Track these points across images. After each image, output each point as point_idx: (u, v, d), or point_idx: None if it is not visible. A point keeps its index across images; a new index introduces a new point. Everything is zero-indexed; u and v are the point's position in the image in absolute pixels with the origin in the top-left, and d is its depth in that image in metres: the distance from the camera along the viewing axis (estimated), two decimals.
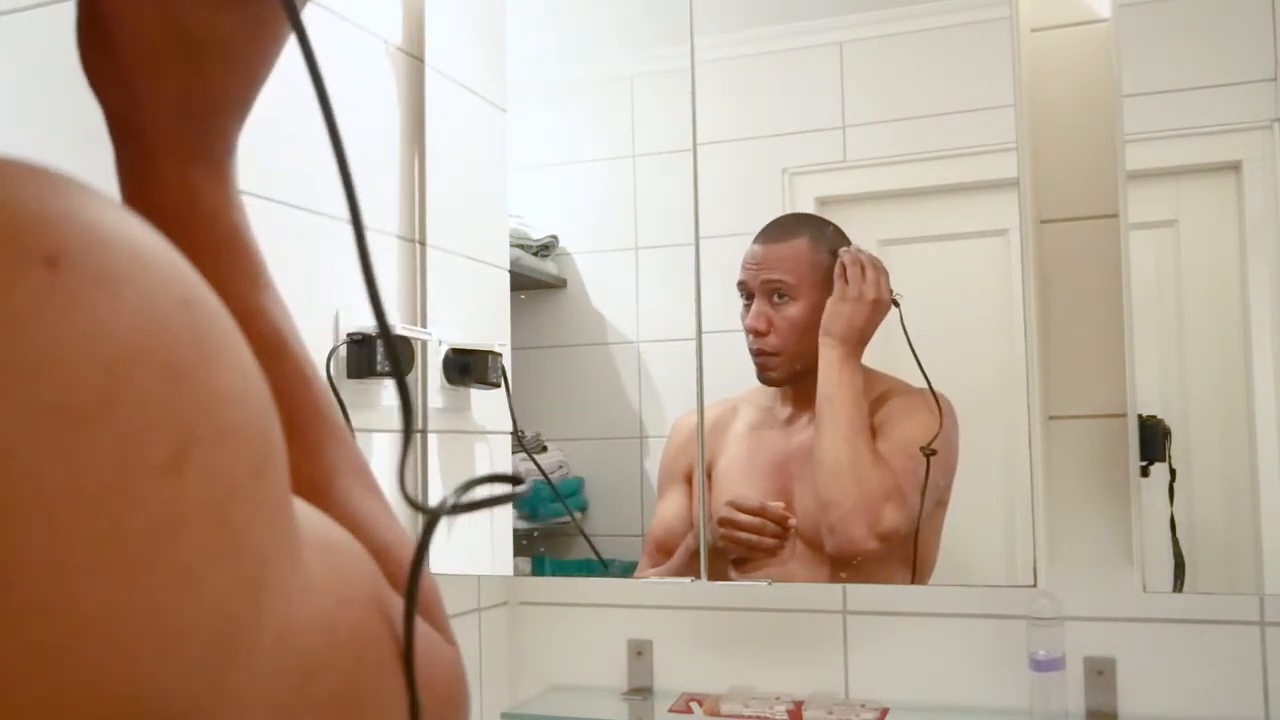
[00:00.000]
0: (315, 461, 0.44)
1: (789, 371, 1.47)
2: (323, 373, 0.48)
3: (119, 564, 0.24)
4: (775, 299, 1.45)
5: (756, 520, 1.43)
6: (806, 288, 1.45)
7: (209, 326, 0.28)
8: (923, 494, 1.37)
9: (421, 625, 0.42)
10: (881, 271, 1.41)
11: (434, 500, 0.40)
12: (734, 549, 1.45)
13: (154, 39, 0.40)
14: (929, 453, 1.37)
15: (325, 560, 0.35)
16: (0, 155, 0.27)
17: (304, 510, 0.35)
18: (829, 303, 1.42)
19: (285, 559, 0.30)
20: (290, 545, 0.31)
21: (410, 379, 1.44)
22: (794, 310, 1.45)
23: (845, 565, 1.41)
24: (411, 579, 0.35)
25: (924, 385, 1.40)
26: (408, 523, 0.38)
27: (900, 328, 1.40)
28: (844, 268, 1.42)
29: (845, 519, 1.38)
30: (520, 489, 0.41)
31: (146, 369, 0.25)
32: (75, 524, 0.23)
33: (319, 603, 0.33)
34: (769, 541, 1.43)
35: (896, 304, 1.41)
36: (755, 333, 1.46)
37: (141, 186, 0.43)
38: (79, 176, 0.28)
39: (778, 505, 1.44)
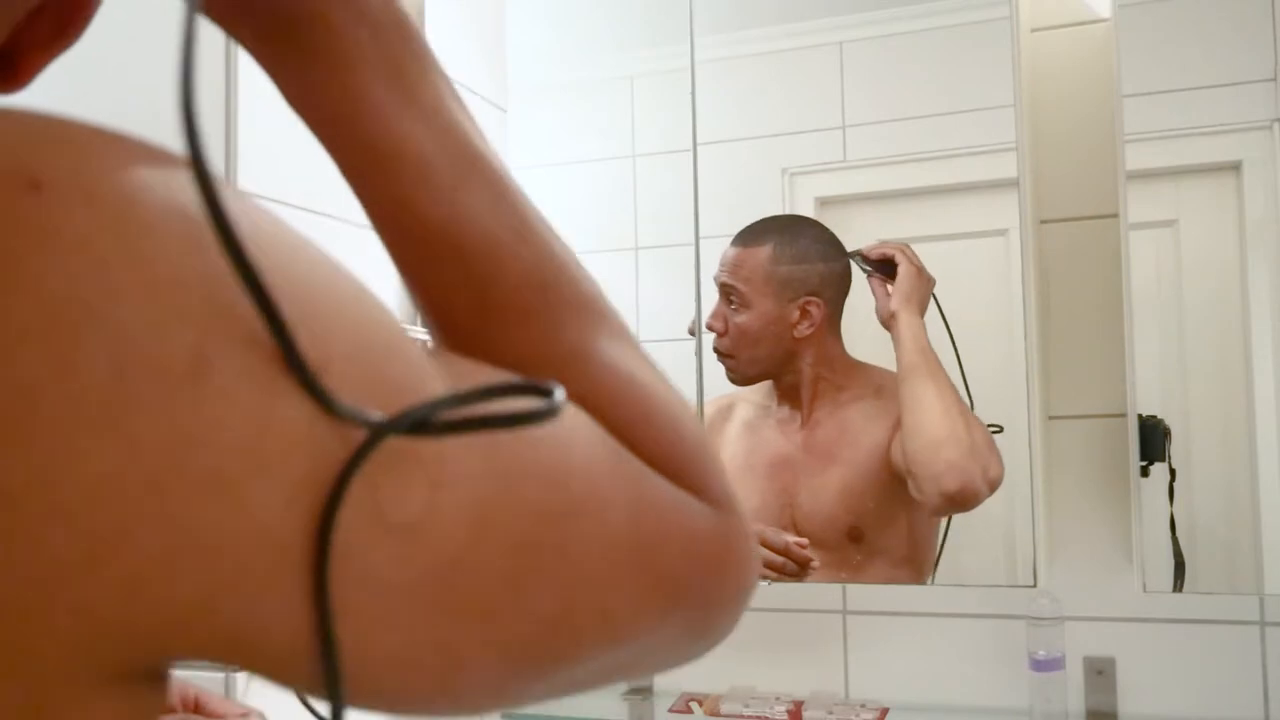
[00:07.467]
0: (555, 336, 0.41)
1: (744, 375, 1.48)
2: (548, 225, 0.43)
3: (137, 476, 0.24)
4: (730, 301, 1.46)
5: (779, 559, 1.42)
6: (758, 298, 1.44)
7: (209, 235, 0.26)
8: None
9: (663, 485, 0.37)
10: None
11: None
12: None
13: None
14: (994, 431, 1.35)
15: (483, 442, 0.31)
16: None
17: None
18: (910, 277, 1.38)
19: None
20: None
21: None
22: (742, 318, 1.45)
23: (945, 508, 1.35)
24: (328, 509, 0.26)
25: None
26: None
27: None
28: (907, 258, 1.39)
29: (967, 455, 1.31)
30: (543, 407, 0.30)
31: (140, 280, 0.25)
32: (81, 440, 0.23)
33: (456, 492, 0.29)
34: (787, 580, 1.43)
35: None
36: (714, 331, 1.47)
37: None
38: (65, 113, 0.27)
39: (803, 542, 1.42)
